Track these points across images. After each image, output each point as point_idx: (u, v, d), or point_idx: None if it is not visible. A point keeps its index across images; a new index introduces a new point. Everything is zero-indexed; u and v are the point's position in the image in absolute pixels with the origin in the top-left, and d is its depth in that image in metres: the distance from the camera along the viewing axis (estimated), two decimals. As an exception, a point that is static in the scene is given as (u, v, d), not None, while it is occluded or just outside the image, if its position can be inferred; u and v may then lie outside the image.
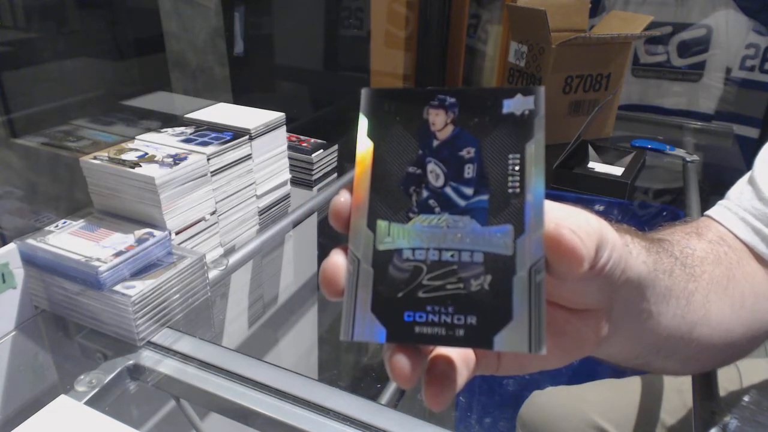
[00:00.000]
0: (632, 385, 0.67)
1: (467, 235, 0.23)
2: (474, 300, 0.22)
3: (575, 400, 0.69)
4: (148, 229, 0.55)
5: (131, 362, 0.49)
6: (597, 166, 1.00)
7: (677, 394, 0.64)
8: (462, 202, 0.23)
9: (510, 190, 0.23)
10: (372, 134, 0.24)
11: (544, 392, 0.72)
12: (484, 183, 0.23)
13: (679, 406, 0.62)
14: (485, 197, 0.23)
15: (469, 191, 0.23)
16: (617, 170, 0.98)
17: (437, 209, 0.23)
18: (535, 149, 0.23)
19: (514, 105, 0.23)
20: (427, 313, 0.22)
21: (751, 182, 0.43)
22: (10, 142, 0.65)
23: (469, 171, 0.24)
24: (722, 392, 0.48)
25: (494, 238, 0.23)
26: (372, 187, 0.24)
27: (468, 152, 0.24)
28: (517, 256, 0.22)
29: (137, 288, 0.49)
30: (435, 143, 0.24)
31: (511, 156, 0.23)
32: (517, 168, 0.23)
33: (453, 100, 0.24)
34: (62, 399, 0.43)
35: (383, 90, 0.25)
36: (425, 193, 0.24)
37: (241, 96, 1.01)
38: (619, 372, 0.72)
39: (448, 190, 0.24)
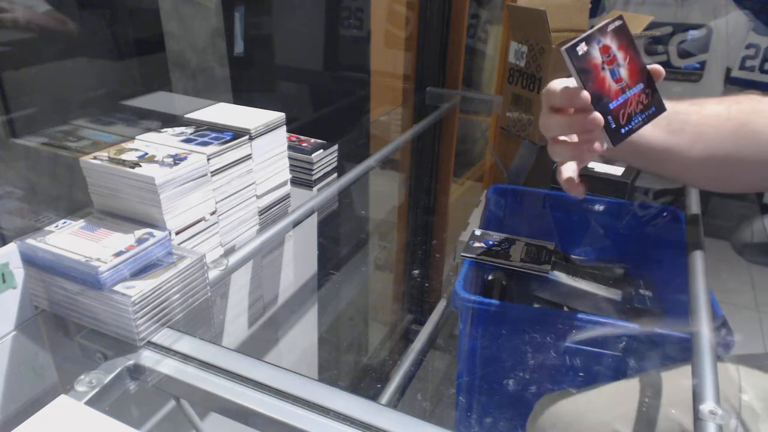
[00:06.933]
0: (635, 386, 0.68)
1: None
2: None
3: (586, 403, 0.69)
4: (148, 229, 0.55)
5: (131, 362, 0.49)
6: (597, 166, 1.00)
7: (677, 390, 0.65)
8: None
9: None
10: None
11: (552, 396, 0.72)
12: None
13: (683, 399, 0.63)
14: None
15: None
16: (617, 170, 0.98)
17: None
18: None
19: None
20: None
21: None
22: (10, 142, 0.65)
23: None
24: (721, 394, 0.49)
25: None
26: None
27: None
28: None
29: (137, 288, 0.49)
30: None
31: None
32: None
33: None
34: (62, 399, 0.43)
35: None
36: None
37: (241, 96, 1.01)
38: (619, 372, 0.73)
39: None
